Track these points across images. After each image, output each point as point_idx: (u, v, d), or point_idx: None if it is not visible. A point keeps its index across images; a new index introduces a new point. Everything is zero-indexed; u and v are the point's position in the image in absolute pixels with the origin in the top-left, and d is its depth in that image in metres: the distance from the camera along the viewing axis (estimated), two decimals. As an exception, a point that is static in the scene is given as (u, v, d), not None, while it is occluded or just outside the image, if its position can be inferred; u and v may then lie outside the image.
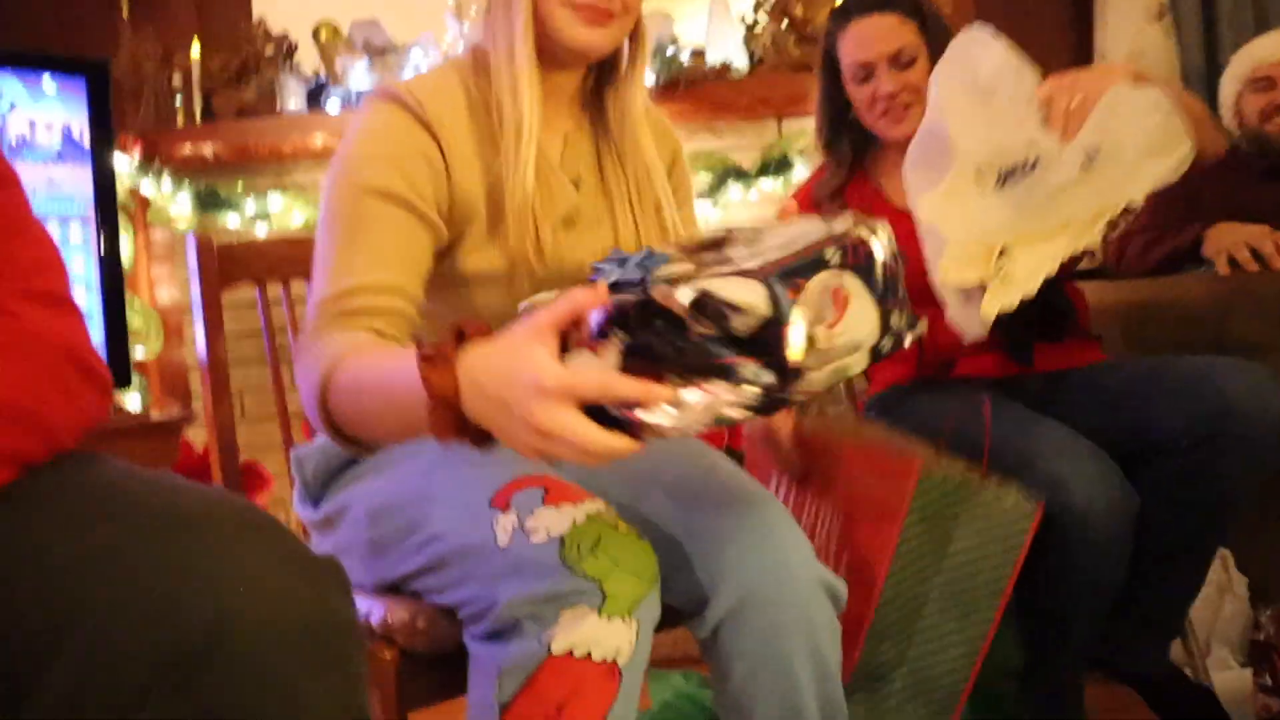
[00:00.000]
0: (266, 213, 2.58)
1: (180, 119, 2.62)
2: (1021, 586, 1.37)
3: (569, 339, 0.78)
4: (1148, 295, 1.88)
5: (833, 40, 1.63)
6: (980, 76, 1.29)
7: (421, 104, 1.07)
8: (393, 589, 1.09)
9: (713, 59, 2.55)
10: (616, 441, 0.76)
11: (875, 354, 0.83)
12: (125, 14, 2.67)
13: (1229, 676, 1.69)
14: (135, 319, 2.53)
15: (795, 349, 0.74)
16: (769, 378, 0.74)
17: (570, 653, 0.91)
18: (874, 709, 1.30)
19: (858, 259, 0.81)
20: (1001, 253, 1.24)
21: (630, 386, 0.75)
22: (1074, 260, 1.25)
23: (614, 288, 0.77)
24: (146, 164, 2.57)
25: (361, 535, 1.10)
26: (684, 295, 0.72)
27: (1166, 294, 1.85)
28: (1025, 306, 1.24)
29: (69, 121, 2.18)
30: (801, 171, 2.53)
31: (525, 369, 0.77)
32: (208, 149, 2.60)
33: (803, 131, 2.59)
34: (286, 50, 2.67)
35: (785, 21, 2.58)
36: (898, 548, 1.26)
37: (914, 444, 1.33)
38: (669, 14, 2.68)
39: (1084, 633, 1.37)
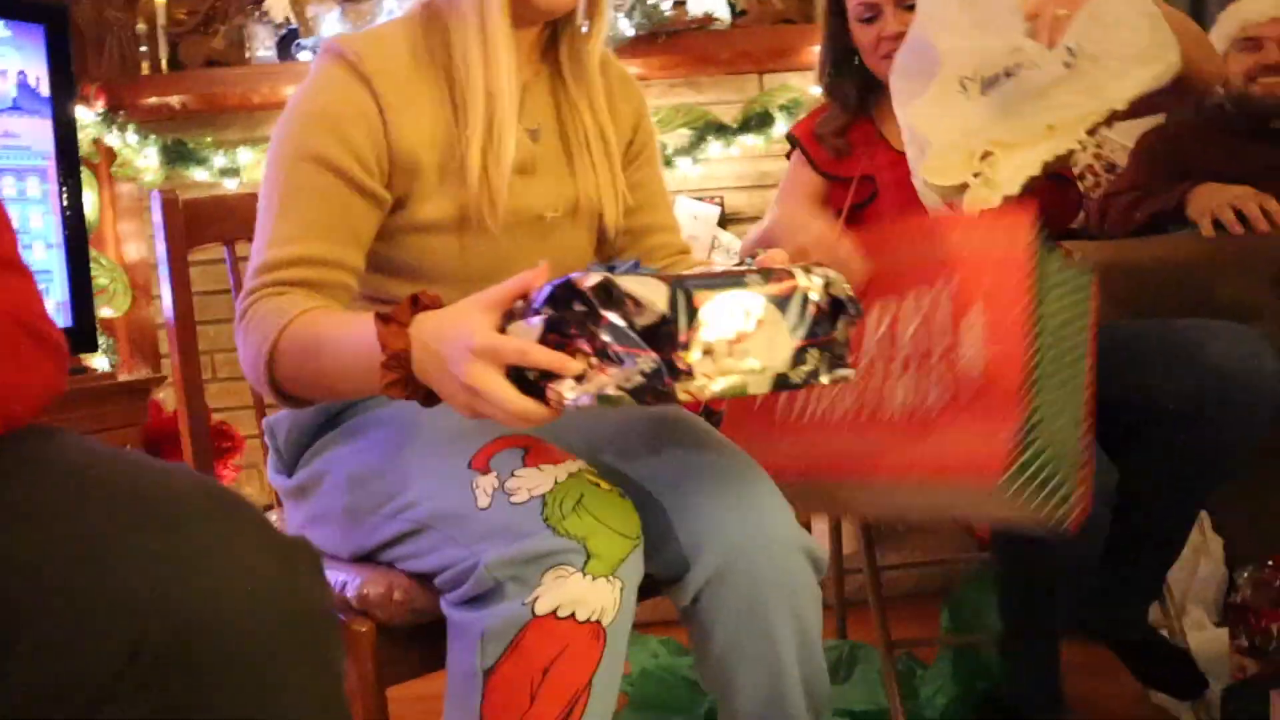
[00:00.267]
0: (236, 166, 2.51)
1: (145, 68, 2.54)
2: (997, 556, 1.37)
3: (515, 313, 0.86)
4: (1131, 256, 1.87)
5: None
6: None
7: (360, 56, 1.05)
8: (369, 559, 1.07)
9: (694, 9, 2.50)
10: (532, 405, 0.83)
11: (780, 382, 0.88)
12: (86, -42, 2.58)
13: (1205, 637, 1.71)
14: (101, 277, 2.47)
15: (685, 350, 0.82)
16: (656, 370, 0.81)
17: (554, 613, 0.90)
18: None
19: (781, 291, 0.88)
20: (984, 156, 1.24)
21: (543, 355, 0.82)
22: (1058, 161, 1.23)
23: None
24: (111, 115, 2.49)
25: (337, 503, 1.08)
26: (593, 280, 0.81)
27: (1150, 255, 1.84)
28: None
29: (24, 69, 2.10)
30: (782, 127, 2.49)
31: (462, 331, 0.84)
32: (174, 100, 2.53)
33: (785, 86, 2.55)
34: (255, -3, 2.60)
35: (769, -27, 2.54)
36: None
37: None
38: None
39: (1059, 603, 1.36)
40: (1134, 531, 1.43)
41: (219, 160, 2.51)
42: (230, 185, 2.51)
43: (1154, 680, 1.52)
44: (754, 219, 2.58)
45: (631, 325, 0.80)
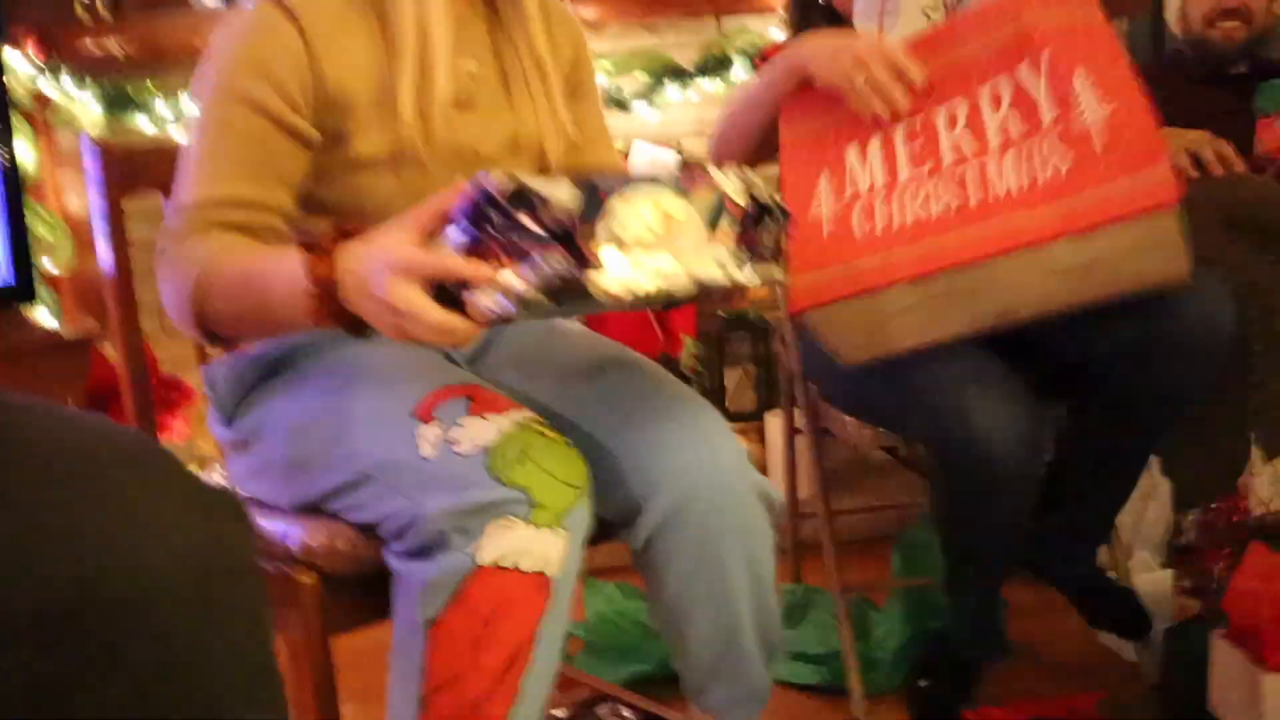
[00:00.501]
0: (180, 114, 2.44)
1: (81, 11, 2.45)
2: (935, 499, 1.38)
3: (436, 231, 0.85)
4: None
5: None
6: None
7: None
8: (313, 510, 1.05)
9: (649, -49, 2.45)
10: (454, 318, 0.83)
11: (701, 284, 0.87)
12: (16, -106, 2.48)
13: (1151, 578, 1.73)
14: (43, 229, 2.40)
15: (595, 247, 0.81)
16: (565, 265, 0.81)
17: (498, 564, 0.89)
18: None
19: (698, 191, 0.86)
20: None
21: (459, 265, 0.82)
22: None
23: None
24: (46, 62, 2.40)
25: (279, 454, 1.06)
26: (500, 183, 0.81)
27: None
28: None
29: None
30: (741, 72, 2.46)
31: (382, 250, 0.84)
32: (114, 46, 2.44)
33: (743, 29, 2.51)
34: (197, -63, 2.51)
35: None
36: None
37: None
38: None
39: (997, 546, 1.37)
40: (1083, 474, 1.44)
41: (163, 108, 2.44)
42: (176, 133, 2.44)
43: (1101, 621, 1.55)
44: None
45: (542, 224, 0.80)
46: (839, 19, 1.57)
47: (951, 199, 1.22)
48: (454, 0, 1.08)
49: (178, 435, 2.25)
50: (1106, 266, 1.18)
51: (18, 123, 2.30)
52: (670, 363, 2.40)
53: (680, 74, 2.48)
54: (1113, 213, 1.13)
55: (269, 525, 1.08)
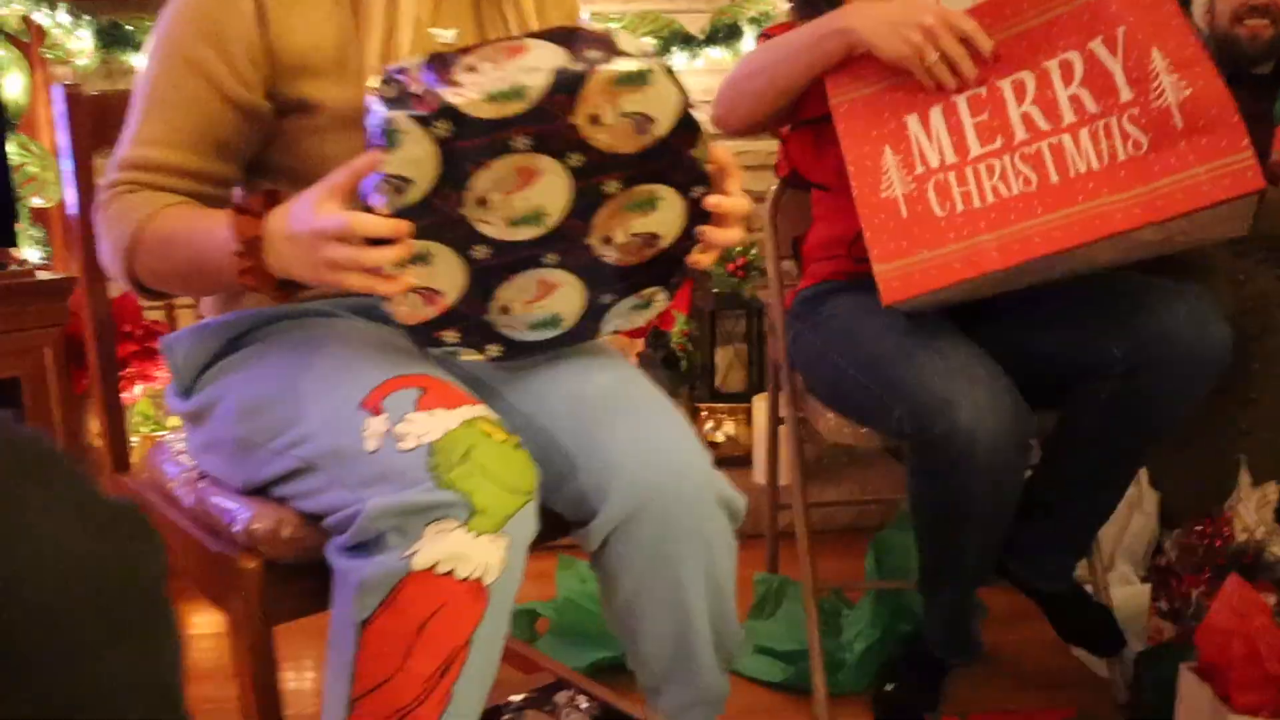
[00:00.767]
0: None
1: (79, -58, 2.38)
2: (911, 500, 1.35)
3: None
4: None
5: None
6: None
7: None
8: (261, 491, 1.02)
9: (663, -88, 2.37)
10: (363, 214, 0.85)
11: (560, 78, 0.85)
12: None
13: (1129, 593, 1.71)
14: (32, 164, 2.35)
15: (456, 71, 0.84)
16: (424, 89, 0.84)
17: (433, 569, 0.86)
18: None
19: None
20: None
21: (352, 169, 0.86)
22: None
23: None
24: (43, -9, 2.35)
25: (230, 432, 1.03)
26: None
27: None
28: None
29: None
30: (751, 42, 2.39)
31: (303, 199, 0.88)
32: (111, -24, 2.39)
33: (756, -1, 2.44)
34: None
35: None
36: None
37: None
38: None
39: (975, 551, 1.34)
40: (1063, 484, 1.41)
41: (158, 46, 2.38)
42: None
43: (1073, 635, 1.52)
44: (716, 136, 2.49)
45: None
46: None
47: (1030, 175, 1.20)
48: None
49: (161, 383, 2.22)
50: (1181, 240, 1.19)
51: (8, 55, 2.24)
52: (661, 338, 2.37)
53: (689, 41, 2.41)
54: (1200, 202, 1.12)
55: (218, 503, 1.05)
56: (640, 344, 2.35)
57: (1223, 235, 1.22)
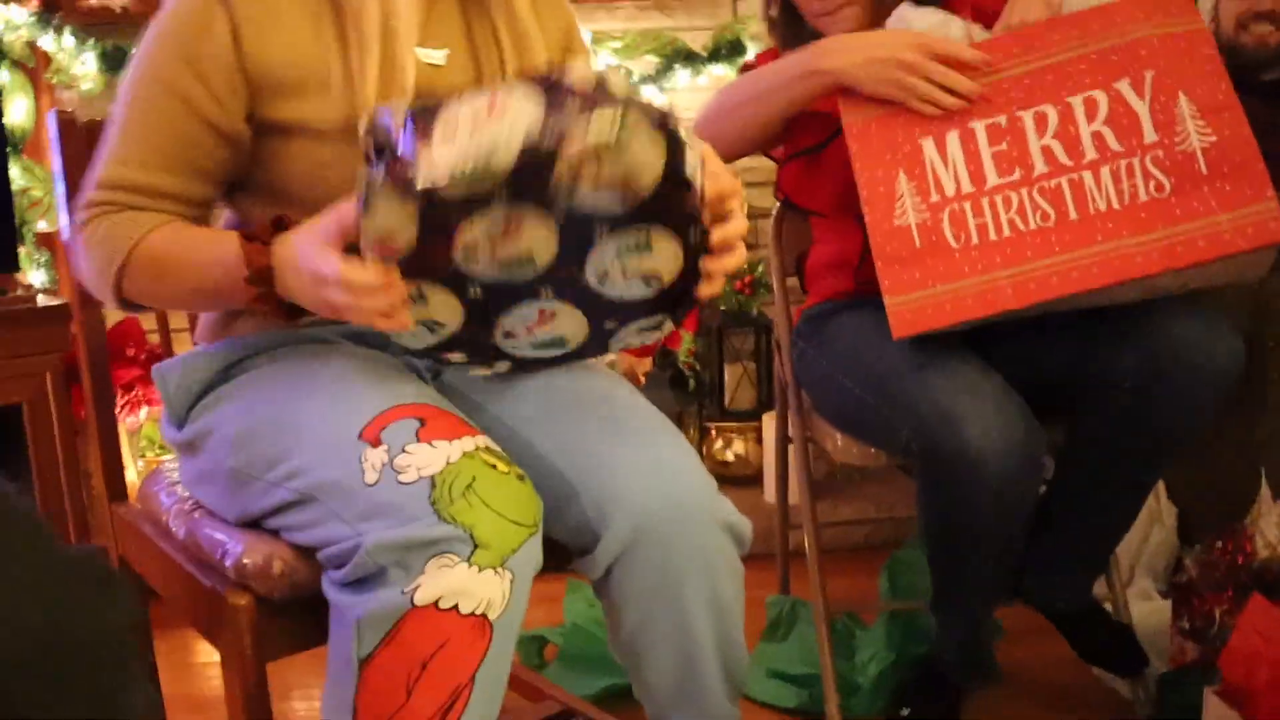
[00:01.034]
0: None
1: (81, -34, 2.38)
2: (921, 520, 1.32)
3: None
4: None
5: None
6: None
7: None
8: (255, 524, 1.00)
9: (666, -72, 2.36)
10: (354, 266, 0.84)
11: (526, 148, 0.80)
12: None
13: (1150, 608, 1.67)
14: (36, 188, 2.35)
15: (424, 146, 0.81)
16: (395, 158, 0.81)
17: (436, 604, 0.84)
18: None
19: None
20: None
21: (340, 221, 0.85)
22: None
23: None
24: (46, 15, 2.34)
25: (224, 463, 1.01)
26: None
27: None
28: None
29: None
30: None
31: (309, 229, 0.88)
32: (115, 1, 2.38)
33: (759, 15, 2.42)
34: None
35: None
36: None
37: None
38: None
39: (987, 571, 1.31)
40: (1077, 501, 1.38)
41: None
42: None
43: (1093, 655, 1.49)
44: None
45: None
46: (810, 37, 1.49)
47: (1049, 210, 1.18)
48: None
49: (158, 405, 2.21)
50: (1199, 281, 1.19)
51: (14, 80, 2.24)
52: (668, 356, 2.34)
53: (691, 58, 2.39)
54: (1223, 251, 1.12)
55: (210, 536, 1.03)
56: (648, 363, 2.33)
57: (1239, 280, 1.21)
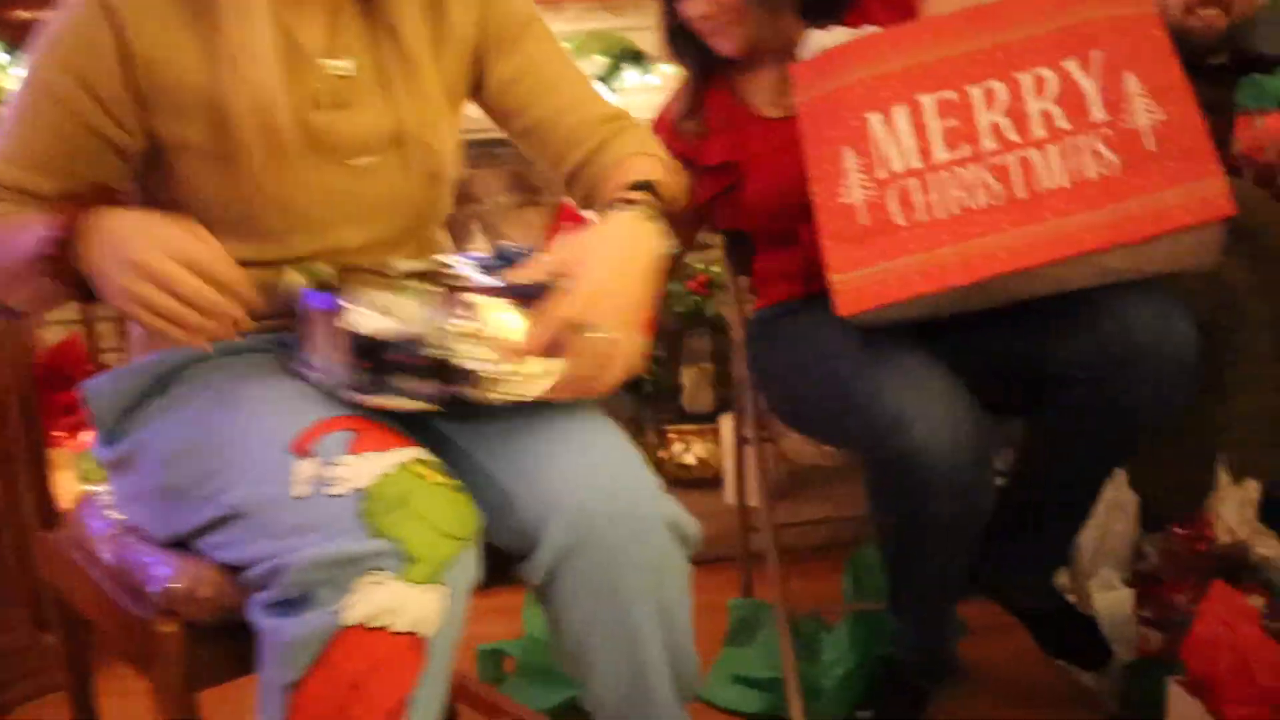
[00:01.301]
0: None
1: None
2: (875, 519, 1.30)
3: None
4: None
5: None
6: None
7: None
8: (185, 545, 0.96)
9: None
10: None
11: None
12: None
13: (1113, 598, 1.65)
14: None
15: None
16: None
17: (366, 623, 0.80)
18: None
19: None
20: None
21: (226, 270, 0.86)
22: None
23: None
24: (-23, 31, 2.29)
25: (154, 480, 0.97)
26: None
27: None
28: None
29: None
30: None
31: (165, 223, 0.86)
32: (47, 15, 2.32)
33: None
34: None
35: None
36: None
37: None
38: None
39: (939, 569, 1.29)
40: (1039, 493, 1.36)
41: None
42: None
43: (1058, 650, 1.47)
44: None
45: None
46: (707, 53, 1.48)
47: (997, 188, 1.17)
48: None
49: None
50: (1151, 266, 1.18)
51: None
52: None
53: (641, 58, 2.38)
54: (1169, 225, 1.12)
55: (137, 560, 0.99)
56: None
57: (1193, 267, 1.20)
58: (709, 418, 2.33)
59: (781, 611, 1.52)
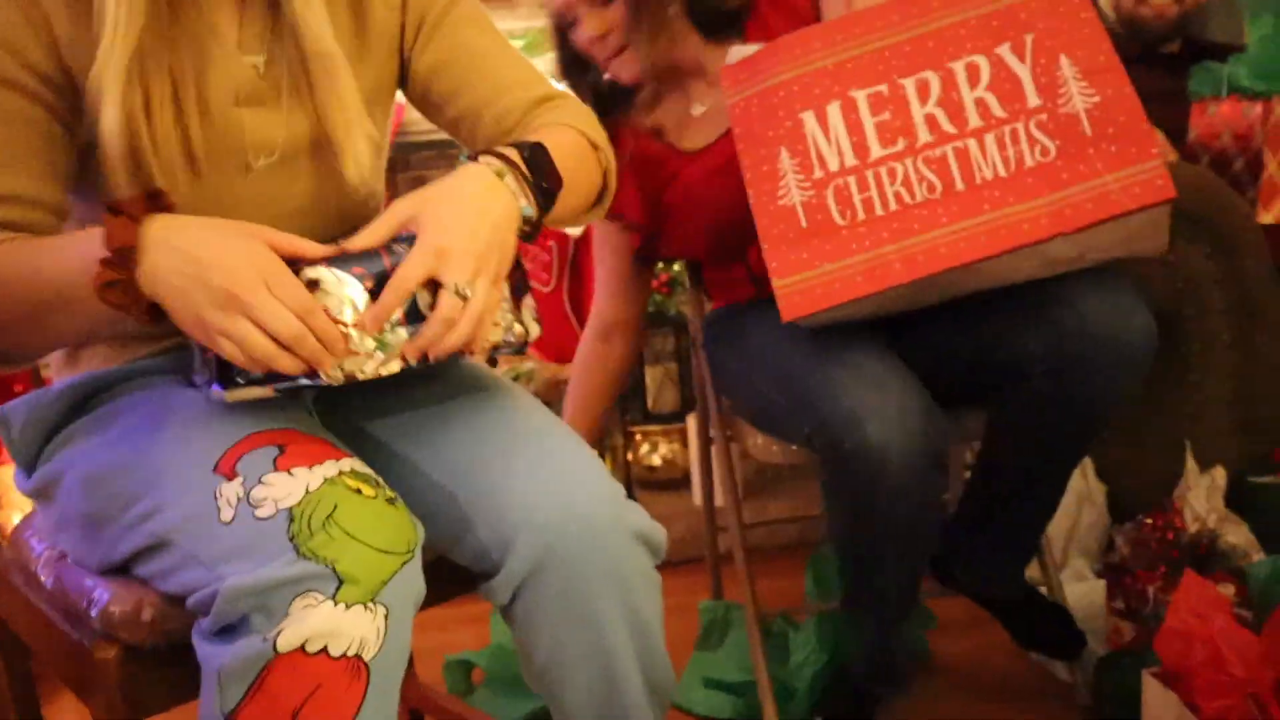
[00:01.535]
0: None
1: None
2: (830, 519, 1.28)
3: None
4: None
5: None
6: None
7: None
8: (122, 570, 0.91)
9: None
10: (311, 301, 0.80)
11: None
12: None
13: (1084, 588, 1.65)
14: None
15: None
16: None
17: (303, 649, 0.76)
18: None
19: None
20: None
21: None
22: None
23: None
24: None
25: (78, 508, 0.92)
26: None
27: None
28: None
29: None
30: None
31: (239, 226, 0.81)
32: None
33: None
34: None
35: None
36: None
37: None
38: None
39: (892, 571, 1.26)
40: (1000, 487, 1.35)
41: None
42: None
43: (1030, 641, 1.46)
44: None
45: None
46: (612, 88, 1.46)
47: (935, 181, 1.15)
48: None
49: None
50: (1097, 253, 1.16)
51: None
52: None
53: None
54: (1111, 211, 1.10)
55: (76, 584, 0.94)
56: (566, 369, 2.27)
57: (1142, 252, 1.18)
58: (676, 417, 2.30)
59: (751, 614, 1.49)
